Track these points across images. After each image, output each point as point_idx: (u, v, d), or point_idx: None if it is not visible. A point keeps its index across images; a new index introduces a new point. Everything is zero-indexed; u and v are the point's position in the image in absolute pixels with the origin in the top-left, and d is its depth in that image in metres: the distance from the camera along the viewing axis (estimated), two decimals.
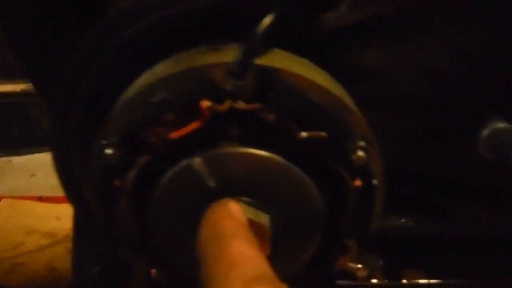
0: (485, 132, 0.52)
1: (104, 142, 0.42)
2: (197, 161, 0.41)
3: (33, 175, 1.69)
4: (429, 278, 0.61)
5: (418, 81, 0.55)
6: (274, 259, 0.44)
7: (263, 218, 0.42)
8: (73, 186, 0.54)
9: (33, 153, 1.78)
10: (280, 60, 0.43)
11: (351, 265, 0.59)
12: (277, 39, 0.46)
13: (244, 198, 0.43)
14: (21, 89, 1.87)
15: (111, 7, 0.51)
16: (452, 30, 0.52)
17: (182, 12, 0.45)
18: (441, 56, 0.54)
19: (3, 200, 1.43)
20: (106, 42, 0.48)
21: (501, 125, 0.52)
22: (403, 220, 0.63)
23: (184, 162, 0.41)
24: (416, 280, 0.61)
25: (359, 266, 0.59)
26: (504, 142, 0.50)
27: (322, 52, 0.51)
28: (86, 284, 0.68)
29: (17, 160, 1.77)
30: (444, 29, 0.52)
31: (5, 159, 1.77)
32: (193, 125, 0.39)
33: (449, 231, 0.61)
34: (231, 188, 0.42)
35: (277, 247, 0.44)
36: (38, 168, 1.71)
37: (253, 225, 0.42)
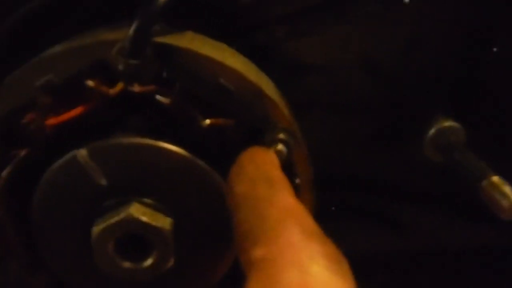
0: (432, 131, 0.47)
1: None
2: (82, 153, 0.34)
3: None
4: None
5: (360, 75, 0.50)
6: (182, 270, 0.38)
7: (163, 222, 0.35)
8: None
9: None
10: (187, 40, 0.37)
11: None
12: (193, 22, 0.41)
13: (144, 199, 0.36)
14: None
15: None
16: (394, 17, 0.48)
17: None
18: (383, 46, 0.49)
19: None
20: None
21: (448, 123, 0.47)
22: (352, 234, 0.57)
23: (68, 155, 0.35)
24: None
25: None
26: (451, 141, 0.45)
27: (249, 41, 0.47)
28: None
29: None
30: (385, 17, 0.48)
31: None
32: (76, 110, 0.33)
33: (403, 244, 0.55)
34: (126, 186, 0.36)
35: (185, 256, 0.37)
36: None
37: (150, 231, 0.35)
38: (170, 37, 0.37)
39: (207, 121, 0.34)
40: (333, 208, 0.56)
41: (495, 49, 0.49)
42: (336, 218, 0.56)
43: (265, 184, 0.29)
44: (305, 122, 0.45)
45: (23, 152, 0.35)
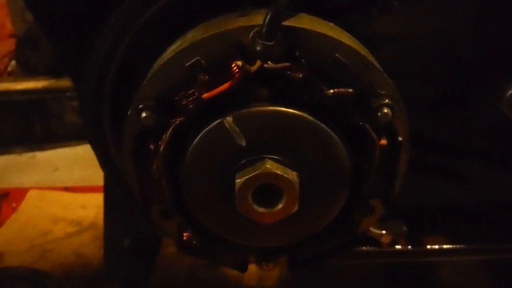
0: (510, 92, 0.53)
1: (140, 106, 0.44)
2: (228, 120, 0.43)
3: (57, 169, 1.73)
4: (452, 244, 0.62)
5: (435, 46, 0.56)
6: (302, 214, 0.46)
7: (292, 175, 0.43)
8: (107, 156, 0.56)
9: (55, 148, 1.83)
10: (307, 22, 0.44)
11: (375, 231, 0.60)
12: (304, 5, 0.48)
13: (274, 156, 0.44)
14: (43, 86, 1.92)
15: None
16: None
17: None
18: (458, 19, 0.55)
19: (31, 191, 1.47)
20: (135, 17, 0.51)
21: None
22: (426, 187, 0.64)
23: (217, 121, 0.43)
24: (440, 246, 0.62)
25: (383, 232, 0.61)
26: None
27: (345, 19, 0.53)
28: (117, 256, 0.71)
29: (40, 155, 1.82)
30: None
31: (29, 154, 1.82)
32: (225, 85, 0.41)
33: (472, 197, 0.62)
34: (261, 146, 0.44)
35: (305, 203, 0.46)
36: (61, 162, 1.75)
37: (282, 182, 0.43)
38: (292, 20, 0.44)
39: (331, 91, 0.42)
40: None
41: None
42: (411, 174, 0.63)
43: None
44: None
45: (179, 120, 0.43)
